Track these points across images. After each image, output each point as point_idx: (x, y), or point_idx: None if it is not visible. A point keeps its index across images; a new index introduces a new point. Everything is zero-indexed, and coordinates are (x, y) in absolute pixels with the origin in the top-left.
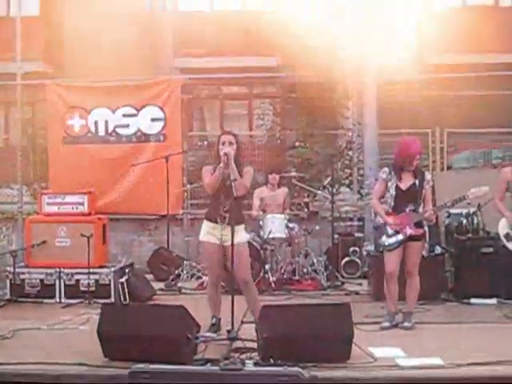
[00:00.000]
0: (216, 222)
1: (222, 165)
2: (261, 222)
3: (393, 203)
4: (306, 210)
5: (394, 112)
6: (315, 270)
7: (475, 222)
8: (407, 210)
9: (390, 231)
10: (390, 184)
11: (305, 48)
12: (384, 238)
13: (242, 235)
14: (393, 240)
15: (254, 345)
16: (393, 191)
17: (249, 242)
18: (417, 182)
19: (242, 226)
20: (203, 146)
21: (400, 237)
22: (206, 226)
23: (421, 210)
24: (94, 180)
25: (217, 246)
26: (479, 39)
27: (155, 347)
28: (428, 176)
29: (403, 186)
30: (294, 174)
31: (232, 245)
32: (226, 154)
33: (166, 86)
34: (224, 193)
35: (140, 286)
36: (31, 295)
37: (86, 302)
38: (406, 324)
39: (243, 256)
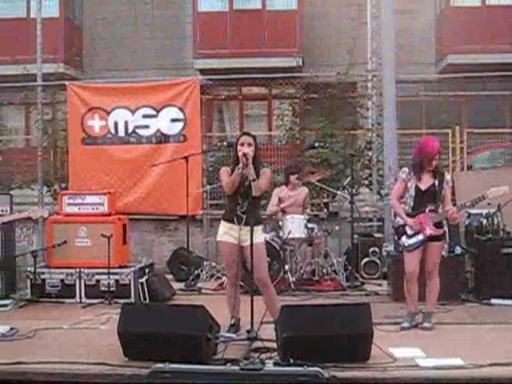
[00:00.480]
0: (233, 223)
1: (240, 165)
2: (280, 222)
3: (412, 203)
4: (325, 210)
5: (413, 112)
6: (335, 271)
7: (495, 222)
8: (427, 210)
9: (410, 232)
10: (409, 184)
11: (325, 48)
12: (404, 238)
13: (259, 236)
14: (413, 240)
15: (274, 345)
16: (412, 191)
17: (268, 242)
18: (436, 182)
19: (260, 227)
20: (222, 146)
21: (420, 237)
22: (224, 226)
23: (440, 210)
24: (113, 180)
25: (234, 247)
26: (500, 38)
27: (175, 347)
28: (448, 176)
29: (423, 186)
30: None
31: (251, 245)
32: (244, 155)
33: (185, 87)
34: (241, 193)
35: (160, 286)
36: (52, 295)
37: (107, 301)
38: (425, 324)
39: (260, 256)
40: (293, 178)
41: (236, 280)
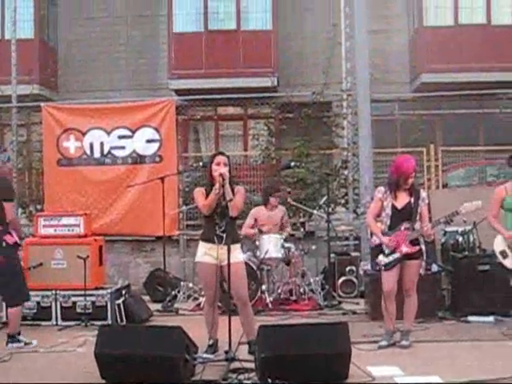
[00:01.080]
0: (213, 243)
1: (217, 186)
2: (257, 242)
3: (389, 222)
4: (302, 229)
5: (388, 131)
6: (312, 290)
7: (471, 239)
8: (402, 228)
9: (387, 250)
10: (385, 203)
11: (300, 67)
12: (381, 257)
13: (239, 254)
14: (389, 259)
15: (252, 365)
16: (388, 210)
17: (245, 262)
18: (412, 200)
19: (239, 245)
20: (198, 166)
21: (396, 255)
22: (203, 247)
23: (417, 227)
24: (89, 202)
25: (214, 267)
26: (473, 57)
27: (153, 369)
28: (423, 194)
29: (399, 204)
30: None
31: (228, 264)
32: (221, 175)
33: (161, 107)
34: (219, 213)
35: (137, 308)
36: (28, 318)
37: (83, 324)
38: (403, 343)
39: (240, 275)
40: (273, 199)
41: (214, 300)
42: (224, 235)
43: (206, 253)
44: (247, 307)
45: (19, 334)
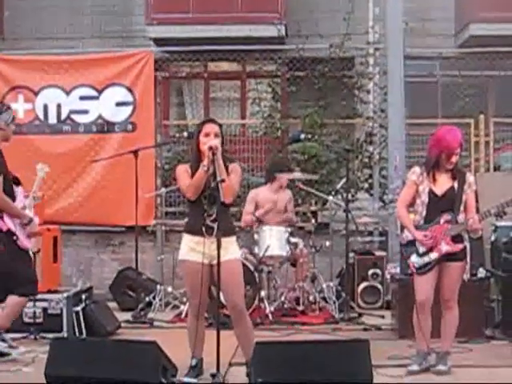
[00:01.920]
0: (201, 235)
1: (205, 162)
2: (255, 236)
3: (425, 213)
4: (313, 221)
5: (427, 96)
6: (324, 298)
7: None
8: (442, 220)
9: (422, 249)
10: (421, 188)
11: (314, 13)
12: (414, 257)
13: (234, 250)
14: (425, 260)
15: None
16: (425, 197)
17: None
18: (456, 184)
19: (234, 238)
20: (182, 137)
21: (434, 255)
22: (188, 240)
23: (460, 219)
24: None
25: (203, 267)
26: None
27: None
28: (470, 177)
29: (438, 190)
30: (298, 174)
31: (218, 263)
32: (211, 148)
33: (135, 61)
34: (208, 197)
35: (100, 317)
36: None
37: (32, 336)
38: (440, 367)
39: (237, 277)
40: (283, 177)
41: (200, 310)
42: (215, 225)
43: (192, 248)
44: (244, 318)
45: (7, 331)
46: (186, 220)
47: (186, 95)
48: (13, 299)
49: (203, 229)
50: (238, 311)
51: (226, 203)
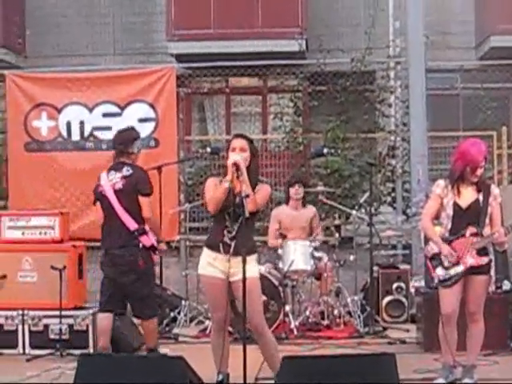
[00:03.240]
0: (219, 252)
1: (228, 177)
2: (279, 251)
3: (450, 225)
4: (336, 235)
5: (448, 109)
6: (349, 312)
7: None
8: (468, 233)
9: (447, 262)
10: (445, 201)
11: (335, 27)
12: (439, 270)
13: (253, 268)
14: (450, 273)
15: None
16: (450, 210)
17: (264, 276)
18: (481, 197)
19: (254, 257)
20: (205, 153)
21: (459, 269)
22: (207, 255)
23: (486, 232)
24: (66, 197)
25: (220, 282)
26: None
27: None
28: (495, 190)
29: (463, 203)
30: (321, 189)
31: (244, 280)
32: (235, 164)
33: (157, 78)
34: (230, 214)
35: (126, 333)
36: None
37: (58, 353)
38: (466, 381)
39: (255, 296)
40: (293, 191)
41: (223, 325)
42: (233, 243)
43: (210, 263)
44: (265, 334)
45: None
46: (208, 235)
47: (207, 111)
48: (148, 326)
49: (220, 246)
50: (257, 328)
51: (250, 214)
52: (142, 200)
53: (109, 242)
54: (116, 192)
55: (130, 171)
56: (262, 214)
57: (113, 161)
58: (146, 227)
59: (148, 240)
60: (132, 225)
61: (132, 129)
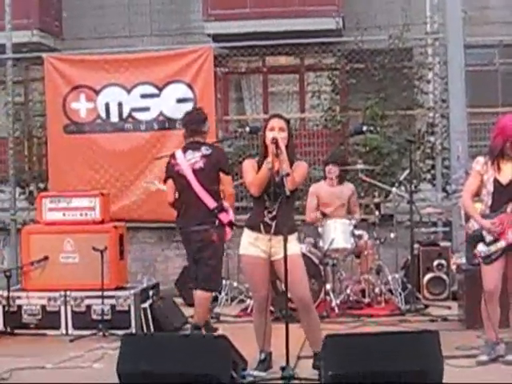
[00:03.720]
0: (260, 232)
1: (270, 159)
2: (319, 229)
3: (490, 202)
4: (376, 213)
5: (487, 85)
6: (390, 290)
7: None
8: (509, 209)
9: (489, 238)
10: (486, 177)
11: (372, 4)
12: (480, 246)
13: (295, 246)
14: (492, 249)
15: None
16: (490, 186)
17: (304, 255)
18: None
19: (295, 236)
20: (243, 132)
21: (501, 244)
22: (248, 235)
23: None
24: (105, 178)
25: (262, 261)
26: None
27: None
28: None
29: (503, 179)
30: (360, 166)
31: (285, 257)
32: (275, 141)
33: (194, 58)
34: (270, 194)
35: (168, 313)
36: (31, 325)
37: (100, 333)
38: (509, 357)
39: (299, 270)
40: (328, 168)
41: (265, 304)
42: (274, 223)
43: (251, 243)
44: (310, 311)
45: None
46: (249, 215)
47: (244, 90)
48: (202, 297)
49: (261, 226)
50: (305, 304)
51: (289, 193)
52: (225, 178)
53: (185, 220)
54: (195, 171)
55: (210, 150)
56: (300, 193)
57: (185, 141)
58: (225, 204)
59: (227, 216)
60: (211, 203)
61: (200, 109)
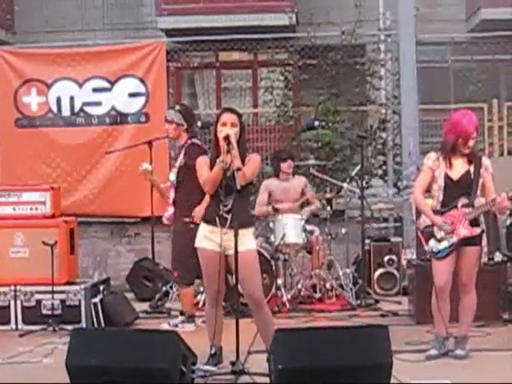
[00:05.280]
0: (215, 225)
1: (222, 157)
2: (271, 224)
3: (441, 197)
4: (328, 208)
5: (439, 82)
6: (341, 285)
7: None
8: (459, 205)
9: (439, 234)
10: (437, 173)
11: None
12: (432, 242)
13: (250, 241)
14: (443, 245)
15: (266, 380)
16: (441, 182)
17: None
18: (472, 169)
19: (251, 230)
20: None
21: (452, 240)
22: (204, 229)
23: (477, 203)
24: (57, 173)
25: (217, 255)
26: None
27: None
28: (486, 161)
29: (454, 174)
30: (312, 162)
31: (236, 252)
32: (227, 138)
33: (147, 52)
34: (224, 187)
35: (118, 308)
36: None
37: (50, 328)
38: (458, 352)
39: (251, 266)
40: (285, 165)
41: (217, 298)
42: (229, 216)
43: (207, 237)
44: (262, 308)
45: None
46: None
47: (198, 85)
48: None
49: (217, 219)
50: (256, 300)
51: (241, 188)
52: None
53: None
54: None
55: None
56: (254, 188)
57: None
58: None
59: None
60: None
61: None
